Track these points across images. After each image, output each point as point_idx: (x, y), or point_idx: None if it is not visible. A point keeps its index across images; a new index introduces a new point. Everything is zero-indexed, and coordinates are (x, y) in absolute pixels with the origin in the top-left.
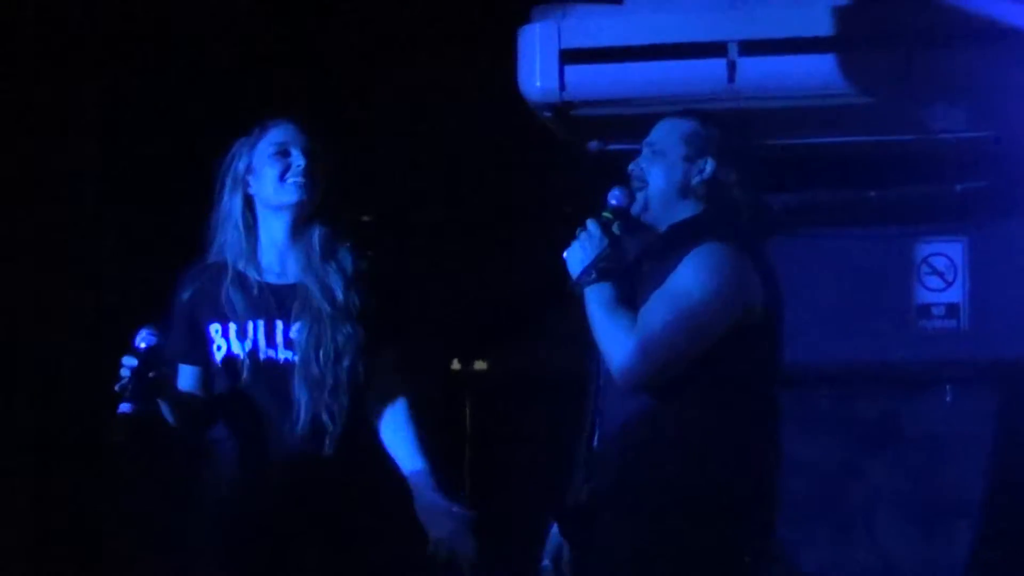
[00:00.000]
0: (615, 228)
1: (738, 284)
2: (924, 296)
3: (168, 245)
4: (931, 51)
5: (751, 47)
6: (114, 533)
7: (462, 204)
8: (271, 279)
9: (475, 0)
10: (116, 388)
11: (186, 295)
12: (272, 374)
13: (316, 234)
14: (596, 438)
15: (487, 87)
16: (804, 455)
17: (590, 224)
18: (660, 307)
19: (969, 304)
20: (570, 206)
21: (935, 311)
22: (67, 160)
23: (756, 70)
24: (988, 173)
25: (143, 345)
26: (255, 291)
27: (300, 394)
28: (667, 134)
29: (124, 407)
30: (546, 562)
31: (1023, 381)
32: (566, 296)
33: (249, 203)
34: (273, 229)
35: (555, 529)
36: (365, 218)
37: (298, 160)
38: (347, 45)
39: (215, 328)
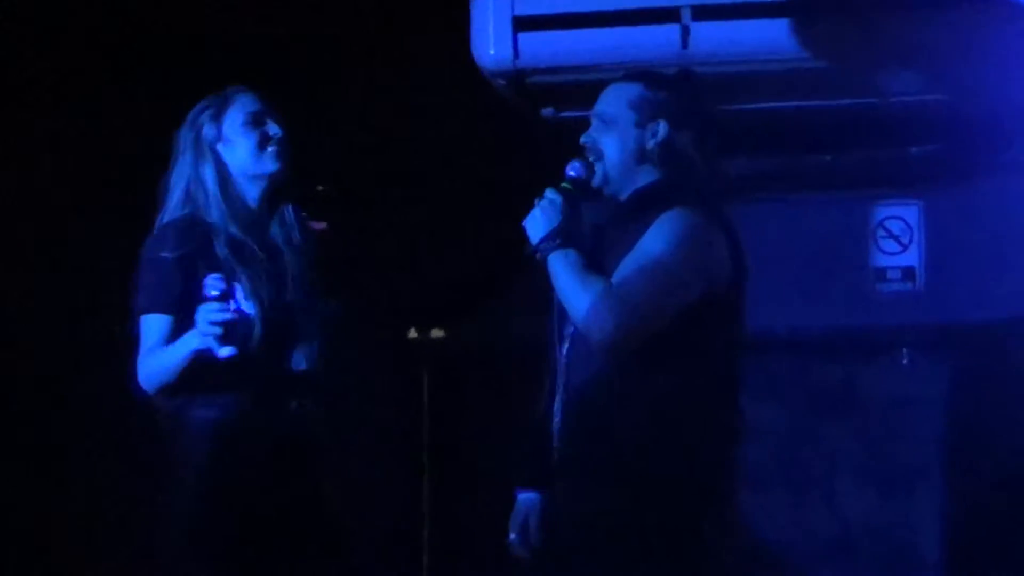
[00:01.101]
0: (575, 196)
1: (707, 249)
2: (880, 259)
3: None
4: (884, 14)
5: (704, 12)
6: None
7: (417, 173)
8: (259, 244)
9: None
10: (215, 336)
11: (171, 252)
12: (270, 339)
13: (289, 204)
14: (559, 405)
15: (440, 55)
16: (762, 421)
17: (549, 193)
18: (635, 269)
19: (925, 267)
20: (526, 174)
21: (891, 274)
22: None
23: (709, 35)
24: (942, 136)
25: (215, 292)
26: (248, 253)
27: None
28: (614, 101)
29: (229, 351)
30: (513, 535)
31: (980, 343)
32: (524, 264)
33: (221, 170)
34: (247, 196)
35: (520, 502)
36: (320, 188)
37: (275, 130)
38: (299, 16)
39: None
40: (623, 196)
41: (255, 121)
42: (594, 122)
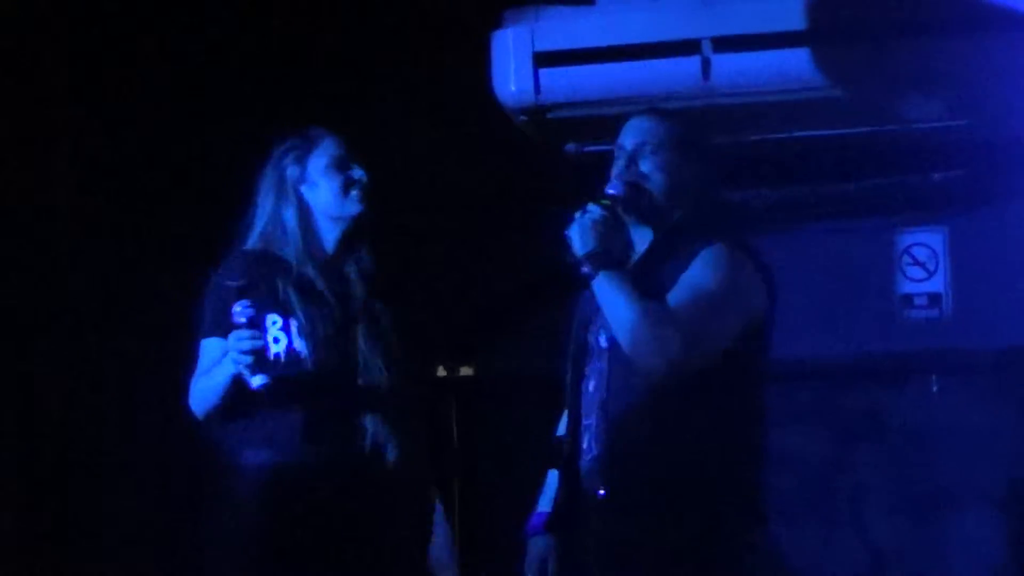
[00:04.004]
0: (616, 215)
1: (748, 282)
2: (906, 286)
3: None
4: (904, 41)
5: (725, 44)
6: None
7: (440, 209)
8: (329, 286)
9: (445, 7)
10: (244, 364)
11: (236, 281)
12: (328, 377)
13: (366, 245)
14: (592, 440)
15: (461, 93)
16: (789, 449)
17: (592, 207)
18: (689, 300)
19: (951, 293)
20: (549, 208)
21: (918, 301)
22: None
23: (731, 66)
24: (966, 161)
25: (243, 320)
26: (317, 295)
27: (356, 401)
28: (640, 134)
29: (261, 380)
30: None
31: (1007, 369)
32: (548, 297)
33: (302, 210)
34: (325, 236)
35: (534, 544)
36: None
37: (359, 173)
38: (322, 53)
39: (273, 319)
40: (657, 228)
41: (339, 165)
42: (619, 160)
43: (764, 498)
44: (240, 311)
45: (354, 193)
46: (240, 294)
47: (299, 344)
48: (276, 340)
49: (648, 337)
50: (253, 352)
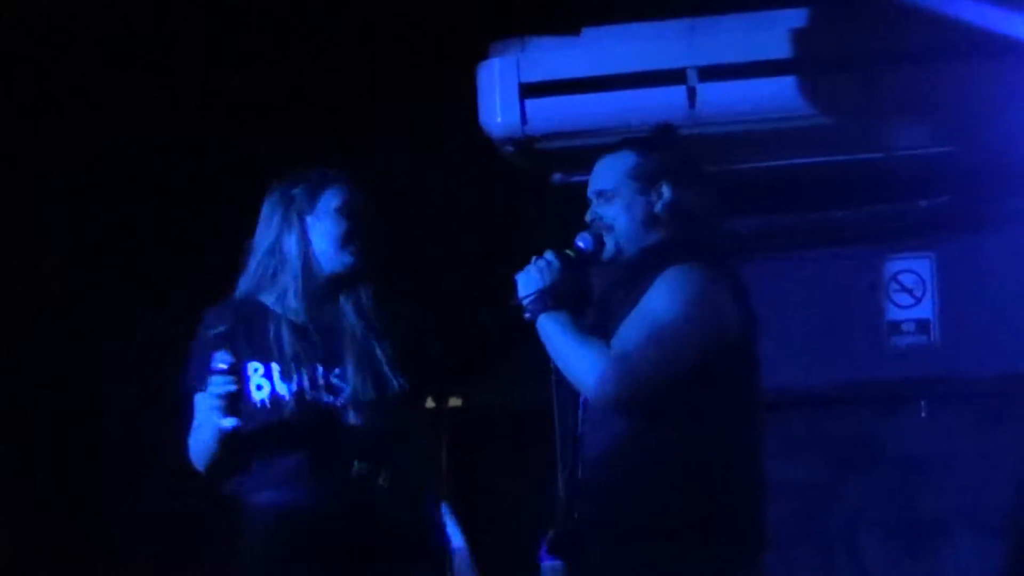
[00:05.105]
0: (573, 263)
1: (710, 305)
2: (894, 313)
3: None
4: (889, 68)
5: (711, 73)
6: None
7: (426, 242)
8: (317, 324)
9: (433, 38)
10: (218, 407)
11: (219, 330)
12: (318, 417)
13: (363, 288)
14: (580, 469)
15: (447, 125)
16: (781, 478)
17: (548, 254)
18: (635, 328)
19: (939, 319)
20: (537, 241)
21: (906, 327)
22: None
23: (716, 95)
24: (952, 187)
25: (223, 365)
26: (302, 334)
27: (351, 436)
28: (612, 175)
29: (231, 423)
30: None
31: (997, 395)
32: (515, 320)
33: (303, 241)
34: (322, 271)
35: (546, 570)
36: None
37: (361, 225)
38: (304, 86)
39: (255, 367)
40: (631, 255)
41: (344, 212)
42: (595, 200)
43: (752, 526)
44: (219, 358)
45: (352, 247)
46: (220, 342)
47: (282, 388)
48: (259, 387)
49: (583, 375)
50: (226, 396)
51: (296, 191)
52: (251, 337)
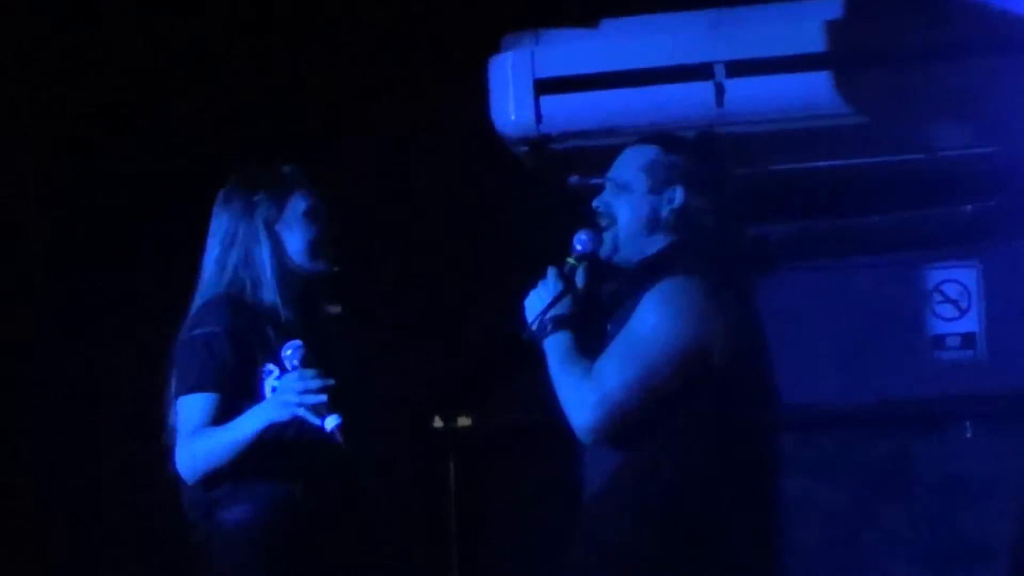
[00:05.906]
0: (577, 275)
1: (696, 322)
2: (937, 326)
3: None
4: (931, 64)
5: (739, 68)
6: None
7: (437, 251)
8: (305, 332)
9: (442, 31)
10: (312, 405)
11: (221, 328)
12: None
13: (341, 289)
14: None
15: (455, 124)
16: (816, 500)
17: (549, 271)
18: (615, 357)
19: (986, 333)
20: (554, 250)
21: (950, 342)
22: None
23: (746, 92)
24: (999, 191)
25: (297, 360)
26: (292, 332)
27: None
28: (628, 166)
29: (334, 420)
30: None
31: None
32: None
33: (278, 251)
34: (297, 277)
35: None
36: (335, 269)
37: (329, 231)
38: (311, 84)
39: (268, 368)
40: (633, 265)
41: (315, 216)
42: (608, 186)
43: (762, 547)
44: (294, 352)
45: (323, 251)
46: (229, 339)
47: None
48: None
49: (567, 407)
50: (325, 390)
51: (259, 197)
52: (258, 335)
